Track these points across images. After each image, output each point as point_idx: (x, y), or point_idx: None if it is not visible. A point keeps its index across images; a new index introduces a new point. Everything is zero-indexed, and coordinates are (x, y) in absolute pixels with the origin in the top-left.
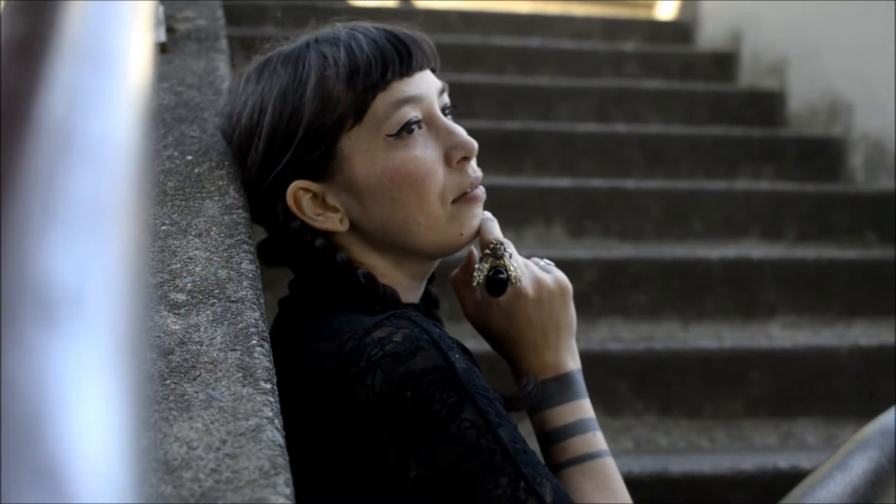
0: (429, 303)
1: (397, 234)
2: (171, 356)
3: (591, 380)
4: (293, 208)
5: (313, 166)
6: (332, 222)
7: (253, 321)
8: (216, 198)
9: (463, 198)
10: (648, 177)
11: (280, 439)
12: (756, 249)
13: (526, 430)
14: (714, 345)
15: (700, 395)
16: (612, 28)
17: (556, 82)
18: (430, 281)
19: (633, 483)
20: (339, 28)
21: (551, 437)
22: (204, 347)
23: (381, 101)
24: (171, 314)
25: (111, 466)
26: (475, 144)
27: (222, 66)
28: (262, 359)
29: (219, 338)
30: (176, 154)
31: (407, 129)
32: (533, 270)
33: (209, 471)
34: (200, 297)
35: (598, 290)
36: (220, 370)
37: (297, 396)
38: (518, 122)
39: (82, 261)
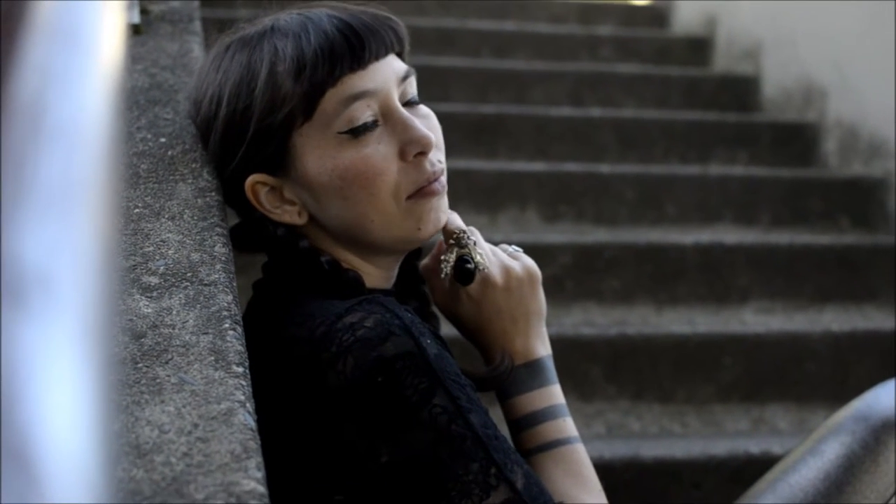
0: (423, 302)
1: (354, 230)
2: (143, 339)
3: (563, 364)
4: (252, 201)
5: (268, 161)
6: (291, 215)
7: (226, 304)
8: (189, 180)
9: (419, 193)
10: (623, 161)
11: (252, 423)
12: (730, 234)
13: (497, 416)
14: (687, 330)
15: (672, 380)
16: (587, 12)
17: (532, 66)
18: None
19: (604, 468)
20: (296, 16)
21: (521, 424)
22: (176, 331)
23: (331, 98)
24: (143, 297)
25: (82, 450)
26: (431, 139)
27: (196, 48)
28: (234, 342)
29: (191, 321)
30: (149, 136)
31: (357, 125)
32: (501, 258)
33: (181, 454)
34: (173, 281)
35: (572, 275)
36: (193, 354)
37: (269, 381)
38: (493, 106)
39: (53, 243)
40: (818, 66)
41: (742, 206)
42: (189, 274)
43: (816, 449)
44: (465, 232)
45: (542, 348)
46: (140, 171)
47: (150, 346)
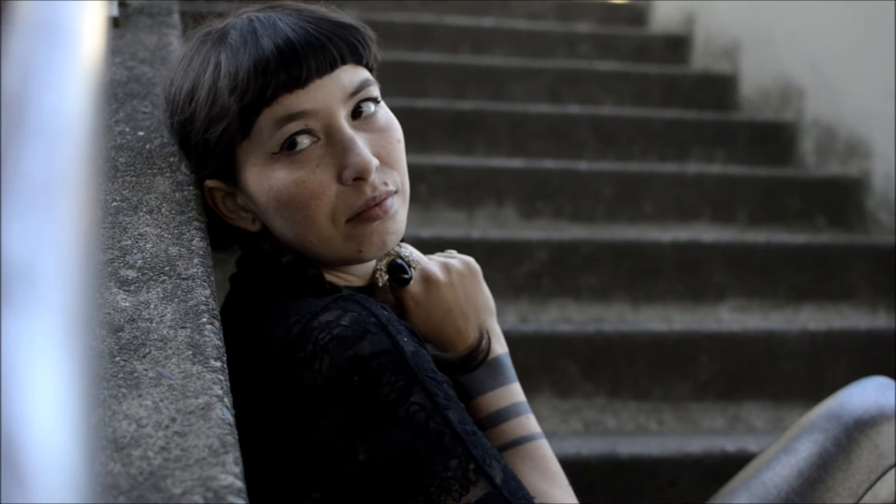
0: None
1: (297, 246)
2: (120, 333)
3: (540, 361)
4: (210, 203)
5: (219, 170)
6: (245, 222)
7: (203, 298)
8: (167, 174)
9: (357, 217)
10: (600, 158)
11: (230, 417)
12: (707, 232)
13: None
14: (664, 327)
15: (649, 378)
16: (566, 9)
17: (510, 63)
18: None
19: (581, 464)
20: (246, 22)
21: (486, 423)
22: (154, 325)
23: (266, 117)
24: (121, 291)
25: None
26: (370, 165)
27: (174, 41)
28: (212, 336)
29: (169, 315)
30: (127, 130)
31: (292, 147)
32: (436, 259)
33: (158, 448)
34: (151, 274)
35: (549, 271)
36: (170, 348)
37: (247, 377)
38: (471, 102)
39: (34, 237)
40: (796, 66)
41: (719, 204)
42: (167, 268)
43: (790, 447)
44: None
45: (500, 346)
46: (118, 164)
47: (128, 339)
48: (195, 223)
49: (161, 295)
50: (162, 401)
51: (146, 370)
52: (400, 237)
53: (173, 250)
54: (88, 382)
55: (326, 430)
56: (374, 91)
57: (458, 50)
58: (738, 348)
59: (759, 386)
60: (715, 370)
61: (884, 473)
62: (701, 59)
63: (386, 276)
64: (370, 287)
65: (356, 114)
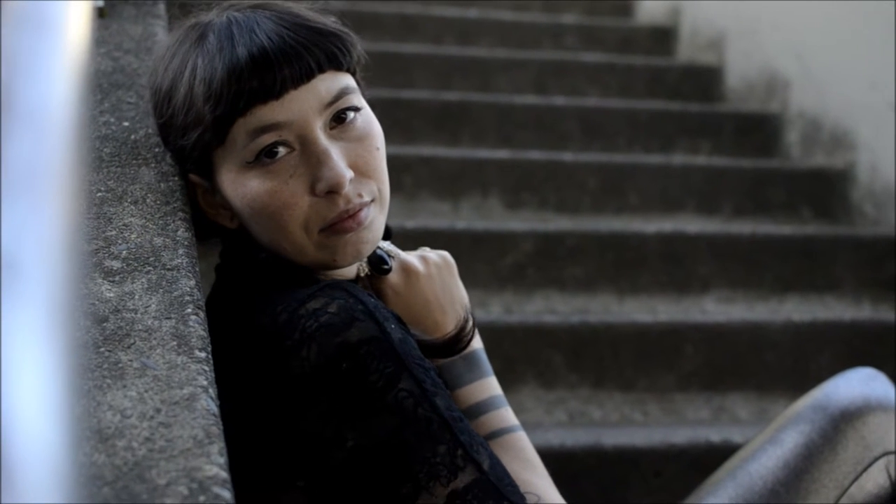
0: None
1: (273, 250)
2: (105, 324)
3: (525, 352)
4: (192, 196)
5: (197, 168)
6: (223, 218)
7: (188, 289)
8: (152, 165)
9: (330, 228)
10: (586, 150)
11: (214, 408)
12: (692, 224)
13: None
14: (648, 318)
15: (634, 369)
16: (551, 0)
17: (495, 54)
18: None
19: (565, 455)
20: (225, 23)
21: (465, 415)
22: (139, 315)
23: (240, 127)
24: (105, 281)
25: (45, 433)
26: (343, 179)
27: (160, 32)
28: (197, 327)
29: (154, 306)
30: (112, 120)
31: (265, 158)
32: (413, 253)
33: (143, 439)
34: (136, 265)
35: (534, 263)
36: (155, 338)
37: (233, 367)
38: (456, 94)
39: (19, 227)
40: (781, 57)
41: (704, 195)
42: (152, 258)
43: (776, 438)
44: None
45: (476, 341)
46: (103, 154)
47: (113, 330)
48: (180, 214)
49: (146, 285)
50: (147, 391)
51: (131, 361)
52: (376, 244)
53: (158, 241)
54: (73, 373)
55: (314, 417)
56: (354, 99)
57: (444, 41)
58: (722, 339)
59: (743, 377)
60: (700, 361)
61: (870, 464)
62: (686, 51)
63: (367, 268)
64: (352, 280)
65: (335, 120)
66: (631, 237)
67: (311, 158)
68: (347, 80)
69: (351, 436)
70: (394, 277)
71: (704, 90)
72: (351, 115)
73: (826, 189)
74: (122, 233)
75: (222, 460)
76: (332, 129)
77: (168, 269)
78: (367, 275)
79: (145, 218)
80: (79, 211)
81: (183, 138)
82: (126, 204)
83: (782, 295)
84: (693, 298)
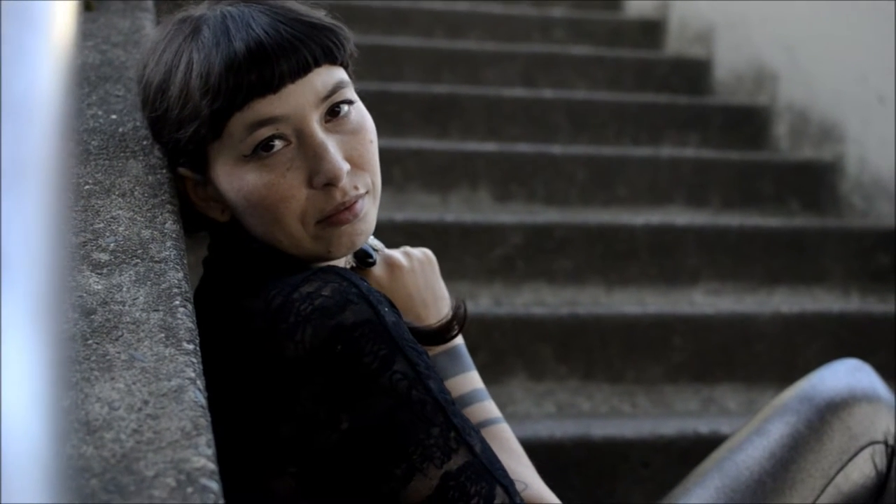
0: None
1: (267, 243)
2: (93, 316)
3: (514, 344)
4: (181, 189)
5: (190, 161)
6: (214, 211)
7: (176, 281)
8: (140, 157)
9: (327, 220)
10: (574, 142)
11: (202, 400)
12: (680, 216)
13: None
14: (637, 310)
15: (622, 361)
16: None
17: (484, 47)
18: None
19: (554, 447)
20: (220, 18)
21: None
22: (126, 307)
23: (238, 122)
24: (93, 274)
25: (32, 425)
26: (341, 171)
27: (148, 25)
28: (184, 319)
29: (141, 298)
30: (100, 113)
31: (263, 151)
32: (396, 250)
33: (131, 431)
34: (123, 257)
35: (523, 255)
36: (143, 330)
37: (223, 357)
38: (445, 86)
39: (7, 220)
40: (770, 50)
41: (693, 188)
42: (139, 251)
43: (762, 428)
44: None
45: (458, 336)
46: (91, 147)
47: (101, 322)
48: (168, 206)
49: (134, 278)
50: (134, 383)
51: (119, 353)
52: (369, 235)
53: (146, 233)
54: (61, 365)
55: (308, 399)
56: (348, 93)
57: (433, 34)
58: (711, 331)
59: (732, 368)
60: (688, 353)
61: (856, 454)
62: (675, 44)
63: (353, 261)
64: None
65: (330, 114)
66: (620, 229)
67: (309, 151)
68: (342, 74)
69: (345, 417)
70: (378, 271)
71: (693, 83)
72: (345, 108)
73: (814, 181)
74: (109, 225)
75: (210, 452)
76: (326, 122)
77: (156, 262)
78: (352, 268)
79: (133, 210)
80: (66, 203)
81: (178, 132)
82: (114, 196)
83: (771, 287)
84: (682, 290)
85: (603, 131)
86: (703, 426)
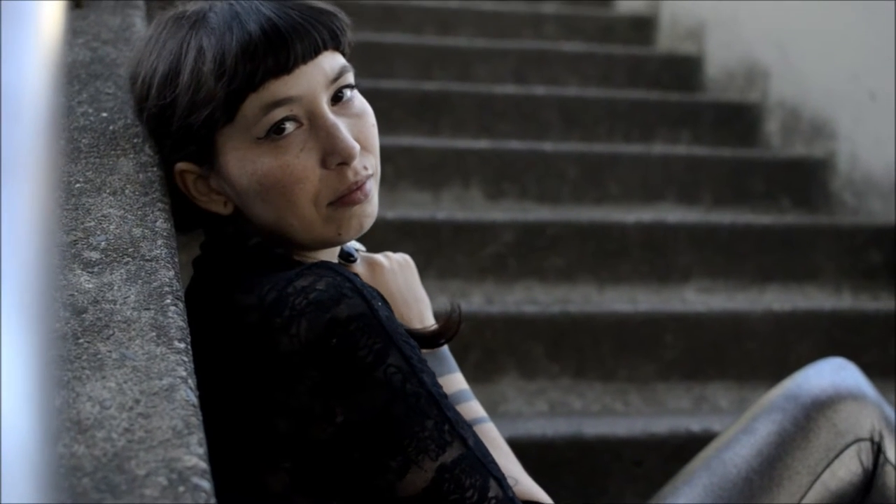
0: None
1: (275, 229)
2: (84, 315)
3: (506, 342)
4: (181, 186)
5: (194, 153)
6: (217, 205)
7: (167, 280)
8: (131, 155)
9: (339, 201)
10: (566, 139)
11: (194, 399)
12: (672, 213)
13: None
14: (629, 308)
15: (614, 359)
16: None
17: (475, 43)
18: None
19: (546, 445)
20: (227, 6)
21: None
22: (118, 306)
23: (252, 103)
24: (84, 272)
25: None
26: (354, 150)
27: (138, 22)
28: (176, 318)
29: (133, 297)
30: (90, 111)
31: (277, 132)
32: (376, 254)
33: (122, 430)
34: (114, 256)
35: (515, 253)
36: (134, 329)
37: (215, 354)
38: (436, 83)
39: None
40: (761, 47)
41: (684, 185)
42: (130, 249)
43: (750, 427)
44: None
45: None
46: (81, 145)
47: (92, 321)
48: (159, 204)
49: (125, 276)
50: (126, 382)
51: (110, 352)
52: (374, 219)
53: (137, 232)
54: (52, 364)
55: (303, 393)
56: (352, 78)
57: (424, 31)
58: (703, 329)
59: (724, 366)
60: (680, 351)
61: (842, 451)
62: (666, 41)
63: (337, 260)
64: None
65: (335, 99)
66: (611, 227)
67: (321, 132)
68: (344, 60)
69: (340, 411)
70: (359, 268)
71: (684, 80)
72: (349, 93)
73: (806, 178)
74: (100, 224)
75: (202, 451)
76: (333, 106)
77: (147, 260)
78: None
79: (124, 209)
80: (57, 202)
81: (189, 118)
82: (104, 195)
83: (762, 284)
84: (673, 288)
85: (594, 128)
86: (695, 424)
